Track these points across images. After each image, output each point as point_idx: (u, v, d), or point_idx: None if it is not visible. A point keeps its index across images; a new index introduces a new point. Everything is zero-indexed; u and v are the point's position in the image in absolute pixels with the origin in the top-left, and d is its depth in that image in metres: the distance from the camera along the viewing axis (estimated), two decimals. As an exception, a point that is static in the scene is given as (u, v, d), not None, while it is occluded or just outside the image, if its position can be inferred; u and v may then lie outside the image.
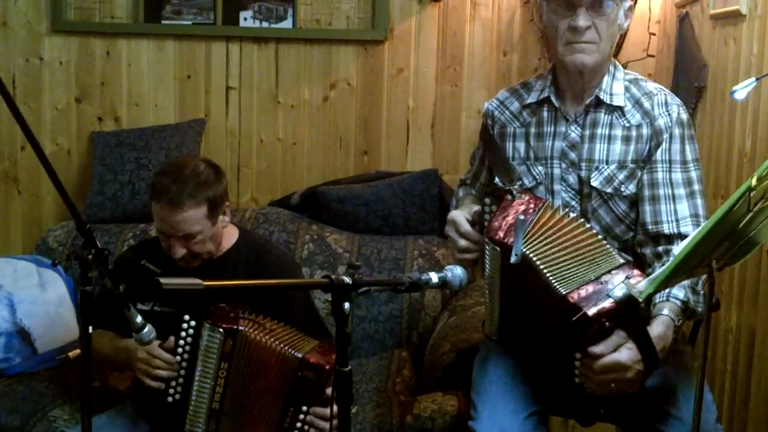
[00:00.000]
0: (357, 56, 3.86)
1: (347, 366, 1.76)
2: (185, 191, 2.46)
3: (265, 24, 3.86)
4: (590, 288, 1.95)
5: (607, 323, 1.92)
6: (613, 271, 1.98)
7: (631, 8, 2.25)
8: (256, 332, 2.35)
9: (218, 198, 2.54)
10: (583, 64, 2.20)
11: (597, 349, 1.92)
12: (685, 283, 2.07)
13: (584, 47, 2.17)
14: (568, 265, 2.00)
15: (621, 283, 1.93)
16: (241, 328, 2.33)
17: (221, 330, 2.32)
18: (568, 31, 2.17)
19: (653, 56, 3.69)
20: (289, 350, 2.34)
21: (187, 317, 2.36)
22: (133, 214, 3.60)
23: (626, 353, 1.93)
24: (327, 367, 2.31)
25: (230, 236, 2.69)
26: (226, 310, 2.37)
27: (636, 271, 1.99)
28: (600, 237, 2.10)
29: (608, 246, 2.07)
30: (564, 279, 1.98)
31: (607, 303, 1.91)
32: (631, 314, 1.93)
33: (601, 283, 1.95)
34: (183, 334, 2.36)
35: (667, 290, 2.06)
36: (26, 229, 3.97)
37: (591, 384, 1.98)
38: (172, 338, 2.36)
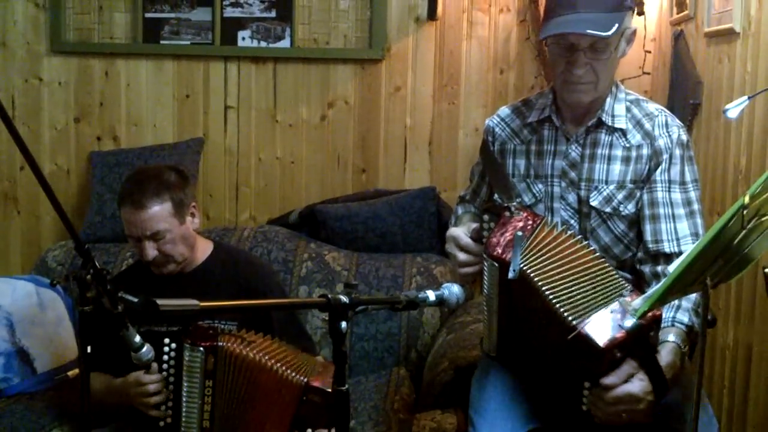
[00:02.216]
0: (354, 75, 3.88)
1: (344, 385, 1.76)
2: (148, 190, 2.55)
3: (263, 44, 3.88)
4: (600, 317, 1.93)
5: (618, 354, 1.91)
6: (620, 299, 1.98)
7: (634, 32, 2.24)
8: (236, 346, 2.35)
9: (183, 198, 2.62)
10: (579, 103, 2.22)
11: (609, 380, 1.91)
12: (688, 306, 2.07)
13: (581, 87, 2.17)
14: (568, 283, 2.00)
15: (622, 306, 1.93)
16: (220, 344, 2.34)
17: (201, 348, 2.32)
18: (566, 70, 2.16)
19: (649, 74, 3.71)
20: (292, 373, 2.34)
21: (167, 340, 2.37)
22: (132, 233, 3.61)
23: (638, 384, 1.91)
24: (331, 390, 2.31)
25: (205, 249, 2.75)
26: (205, 328, 2.39)
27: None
28: (599, 254, 2.10)
29: (608, 265, 2.07)
30: (567, 301, 1.96)
31: (619, 333, 1.90)
32: (642, 344, 1.93)
33: (611, 312, 1.94)
34: (165, 357, 2.37)
35: (671, 315, 2.06)
36: (25, 248, 3.98)
37: (600, 414, 1.95)
38: (155, 365, 2.36)
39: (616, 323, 1.91)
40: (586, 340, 1.90)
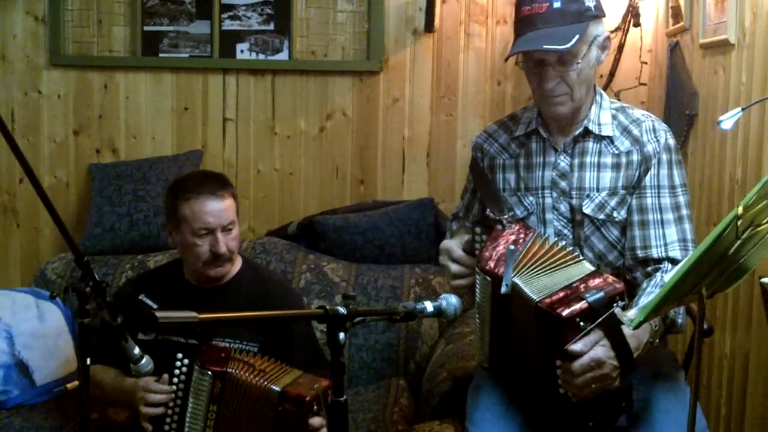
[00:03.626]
0: (352, 87, 3.90)
1: (343, 396, 1.76)
2: (220, 183, 2.62)
3: (261, 56, 3.90)
4: (561, 293, 1.97)
5: (581, 323, 1.93)
6: (583, 277, 2.00)
7: (608, 38, 2.26)
8: (246, 374, 2.32)
9: (237, 196, 2.68)
10: (558, 115, 2.25)
11: (576, 346, 1.93)
12: None
13: (557, 100, 2.21)
14: (541, 275, 2.03)
15: (594, 288, 1.95)
16: (229, 370, 2.31)
17: (210, 373, 2.31)
18: (539, 86, 2.21)
19: (645, 84, 3.73)
20: (270, 385, 2.31)
21: (180, 355, 2.36)
22: (131, 245, 3.62)
23: (600, 350, 1.94)
24: (307, 399, 2.26)
25: (237, 262, 2.73)
26: (218, 350, 2.38)
27: (610, 277, 2.02)
28: (590, 266, 2.12)
29: (583, 259, 2.10)
30: (535, 287, 2.00)
31: (581, 304, 1.93)
32: (604, 314, 1.95)
33: (572, 288, 1.97)
34: (176, 372, 2.36)
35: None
36: (25, 261, 3.98)
37: (573, 389, 1.97)
38: (165, 376, 2.37)
39: (578, 295, 1.94)
40: (550, 312, 1.93)
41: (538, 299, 1.96)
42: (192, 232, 2.56)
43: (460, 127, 3.90)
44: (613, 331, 1.95)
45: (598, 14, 2.22)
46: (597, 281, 1.99)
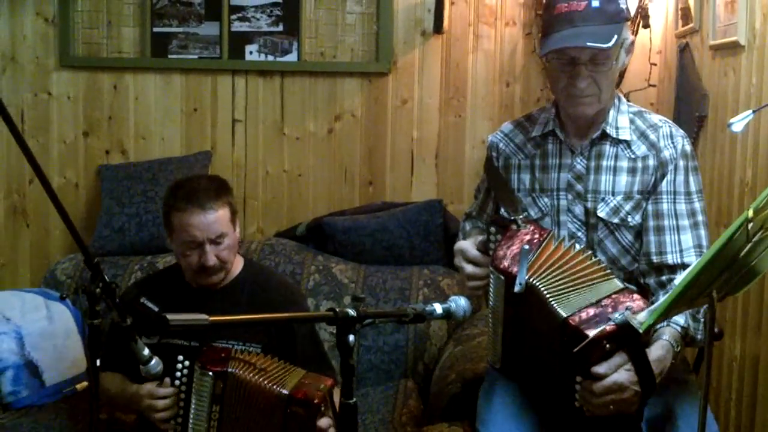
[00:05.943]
0: (361, 88, 3.90)
1: (352, 398, 1.76)
2: (211, 194, 2.55)
3: (270, 57, 3.91)
4: (591, 311, 1.95)
5: (607, 345, 1.92)
6: (613, 295, 1.99)
7: (633, 43, 2.26)
8: (246, 373, 2.32)
9: (234, 204, 2.63)
10: (584, 115, 2.23)
11: (600, 369, 1.92)
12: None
13: (585, 100, 2.19)
14: (574, 296, 2.01)
15: (622, 309, 1.94)
16: (230, 370, 2.31)
17: (211, 373, 2.30)
18: (569, 85, 2.18)
19: (655, 86, 3.72)
20: (277, 388, 2.30)
21: (180, 357, 2.36)
22: (141, 246, 3.63)
23: (625, 374, 1.93)
24: (315, 401, 2.27)
25: (237, 264, 2.72)
26: (218, 350, 2.37)
27: (636, 296, 2.00)
28: (604, 265, 2.11)
29: (615, 277, 2.08)
30: (565, 304, 1.99)
31: (608, 326, 1.92)
32: (631, 337, 1.94)
33: (602, 306, 1.96)
34: (178, 374, 2.36)
35: None
36: (34, 261, 4.00)
37: (590, 407, 1.97)
38: (167, 380, 2.36)
39: (606, 316, 1.93)
40: (577, 332, 1.92)
41: (566, 315, 1.95)
42: (181, 243, 2.56)
43: (468, 128, 3.90)
44: (637, 355, 1.94)
45: (629, 17, 2.23)
46: (625, 301, 1.98)
